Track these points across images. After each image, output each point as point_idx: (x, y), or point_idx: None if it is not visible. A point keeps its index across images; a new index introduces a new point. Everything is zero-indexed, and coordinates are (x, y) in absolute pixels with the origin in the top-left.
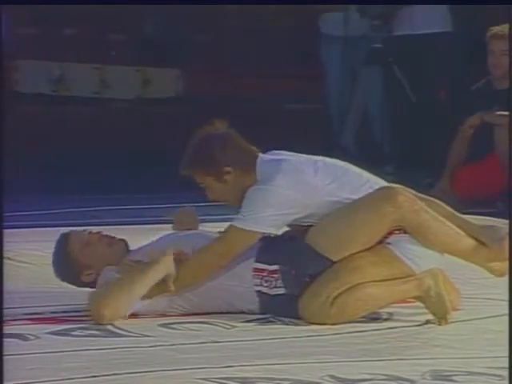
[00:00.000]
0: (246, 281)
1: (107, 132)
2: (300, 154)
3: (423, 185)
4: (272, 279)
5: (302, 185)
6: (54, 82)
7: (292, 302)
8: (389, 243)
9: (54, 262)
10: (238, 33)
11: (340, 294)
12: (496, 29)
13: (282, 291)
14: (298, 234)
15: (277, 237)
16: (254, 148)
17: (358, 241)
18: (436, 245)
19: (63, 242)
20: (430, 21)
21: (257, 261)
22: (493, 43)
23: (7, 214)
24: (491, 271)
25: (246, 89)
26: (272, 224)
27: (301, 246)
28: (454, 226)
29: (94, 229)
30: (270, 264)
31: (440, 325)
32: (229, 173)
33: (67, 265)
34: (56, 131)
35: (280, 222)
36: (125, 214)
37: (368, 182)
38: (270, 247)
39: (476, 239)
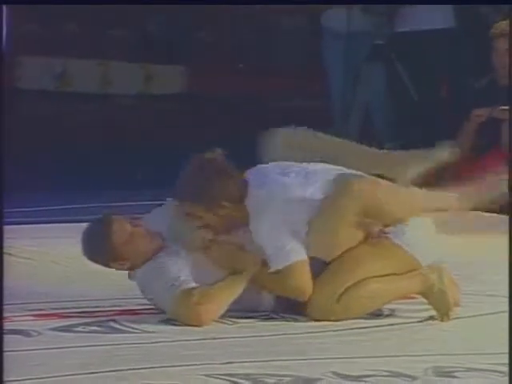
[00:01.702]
0: None
1: (109, 128)
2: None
3: None
4: None
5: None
6: (56, 78)
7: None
8: (388, 233)
9: (89, 242)
10: (240, 30)
11: (345, 291)
12: (501, 26)
13: None
14: None
15: None
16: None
17: (340, 243)
18: (408, 214)
19: (106, 228)
20: (433, 17)
21: None
22: (498, 41)
23: (10, 211)
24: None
25: (248, 85)
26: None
27: None
28: (417, 190)
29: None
30: None
31: (442, 321)
32: (226, 208)
33: (104, 250)
34: (58, 127)
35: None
36: (126, 211)
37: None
38: None
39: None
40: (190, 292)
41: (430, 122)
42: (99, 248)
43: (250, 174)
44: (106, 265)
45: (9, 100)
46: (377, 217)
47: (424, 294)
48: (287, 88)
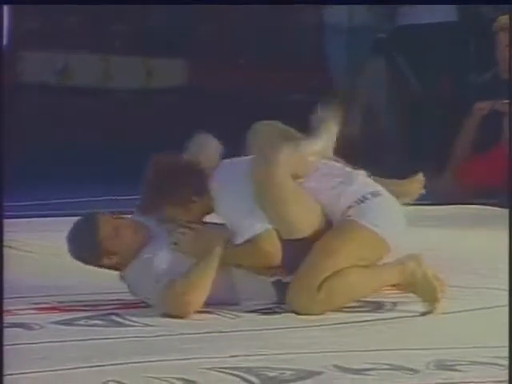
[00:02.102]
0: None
1: (110, 123)
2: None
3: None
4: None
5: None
6: (57, 72)
7: None
8: (349, 216)
9: (74, 241)
10: (240, 23)
11: (326, 280)
12: (503, 20)
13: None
14: None
15: None
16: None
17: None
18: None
19: (91, 224)
20: (434, 11)
21: None
22: (500, 35)
23: (12, 204)
24: None
25: (249, 80)
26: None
27: None
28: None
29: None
30: None
31: (433, 309)
32: (194, 201)
33: (91, 247)
34: (59, 121)
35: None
36: (126, 205)
37: None
38: None
39: None
40: (172, 284)
41: (431, 116)
42: (87, 244)
43: (218, 167)
44: (94, 262)
45: (10, 95)
46: (304, 171)
47: (408, 285)
48: (288, 82)
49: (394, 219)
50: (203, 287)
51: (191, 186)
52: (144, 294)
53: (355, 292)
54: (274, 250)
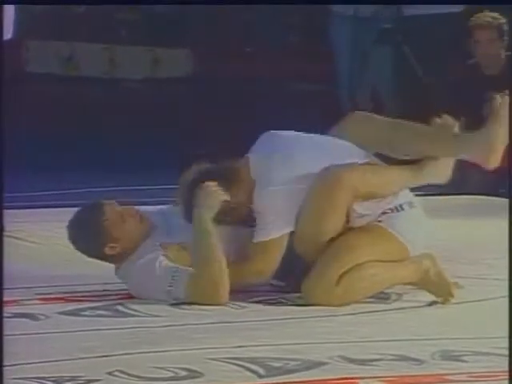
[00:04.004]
0: None
1: (116, 112)
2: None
3: None
4: None
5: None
6: (63, 61)
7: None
8: (380, 221)
9: (78, 228)
10: (248, 13)
11: (344, 274)
12: (479, 18)
13: None
14: None
15: None
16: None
17: (327, 231)
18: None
19: (97, 210)
20: (440, 0)
21: None
22: (478, 33)
23: (19, 195)
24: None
25: (256, 69)
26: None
27: None
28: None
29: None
30: None
31: (446, 303)
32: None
33: (96, 232)
34: (65, 111)
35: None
36: (137, 195)
37: None
38: None
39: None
40: (188, 280)
41: (436, 105)
42: (91, 230)
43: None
44: (97, 249)
45: (16, 83)
46: (365, 199)
47: (422, 282)
48: (295, 72)
49: (422, 234)
50: (216, 261)
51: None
52: (153, 297)
53: (372, 287)
54: (269, 268)
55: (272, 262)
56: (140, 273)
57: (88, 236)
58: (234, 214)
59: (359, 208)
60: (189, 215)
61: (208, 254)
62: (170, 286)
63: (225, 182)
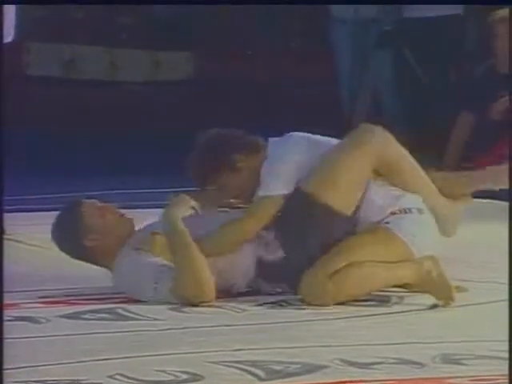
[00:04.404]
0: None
1: (117, 114)
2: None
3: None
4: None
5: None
6: (64, 64)
7: (289, 267)
8: (387, 223)
9: (59, 228)
10: (249, 15)
11: (339, 270)
12: (501, 12)
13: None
14: None
15: None
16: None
17: (342, 180)
18: (411, 188)
19: (75, 207)
20: (440, 3)
21: None
22: (499, 27)
23: (20, 198)
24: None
25: (256, 72)
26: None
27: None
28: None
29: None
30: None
31: (447, 306)
32: (241, 160)
33: (74, 230)
34: (66, 113)
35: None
36: (132, 198)
37: None
38: None
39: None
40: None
41: (437, 108)
42: (70, 228)
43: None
44: (77, 246)
45: (17, 86)
46: (387, 172)
47: (423, 283)
48: (296, 74)
49: (430, 240)
50: (195, 259)
51: (233, 145)
52: (145, 297)
53: (367, 284)
54: (260, 224)
55: (260, 221)
56: (128, 272)
57: (68, 233)
58: (240, 196)
59: (374, 195)
60: (198, 179)
61: (187, 252)
62: (156, 283)
63: (242, 150)
